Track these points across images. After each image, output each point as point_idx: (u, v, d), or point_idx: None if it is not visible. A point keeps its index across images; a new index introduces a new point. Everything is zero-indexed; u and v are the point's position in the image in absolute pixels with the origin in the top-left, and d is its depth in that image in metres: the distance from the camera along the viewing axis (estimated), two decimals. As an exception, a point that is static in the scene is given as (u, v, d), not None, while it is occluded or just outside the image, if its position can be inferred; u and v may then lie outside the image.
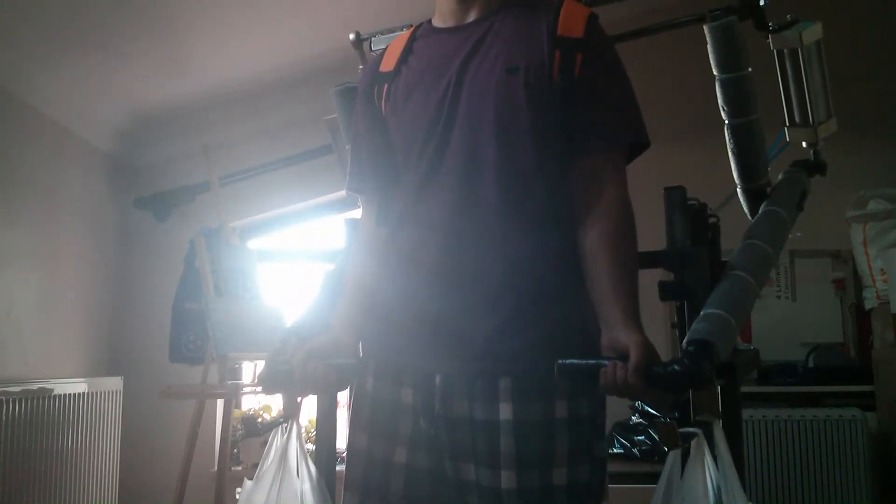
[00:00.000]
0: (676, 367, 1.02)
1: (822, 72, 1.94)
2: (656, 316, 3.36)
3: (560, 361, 1.08)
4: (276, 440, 1.34)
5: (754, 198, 1.88)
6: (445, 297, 1.19)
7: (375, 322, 1.31)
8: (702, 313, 1.26)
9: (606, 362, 1.05)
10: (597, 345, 1.21)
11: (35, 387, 2.61)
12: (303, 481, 1.32)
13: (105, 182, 3.44)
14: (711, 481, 1.08)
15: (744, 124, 1.83)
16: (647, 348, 1.05)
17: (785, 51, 1.90)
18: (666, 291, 1.53)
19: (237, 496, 1.42)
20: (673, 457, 1.13)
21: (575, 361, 1.08)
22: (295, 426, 1.34)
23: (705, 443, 1.09)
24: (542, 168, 1.20)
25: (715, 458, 1.13)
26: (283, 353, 1.25)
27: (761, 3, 1.79)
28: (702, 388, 1.07)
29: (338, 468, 2.04)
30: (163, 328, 3.17)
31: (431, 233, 1.22)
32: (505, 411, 1.15)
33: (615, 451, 3.13)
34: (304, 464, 1.33)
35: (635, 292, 1.14)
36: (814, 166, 1.98)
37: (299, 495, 1.30)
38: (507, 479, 1.13)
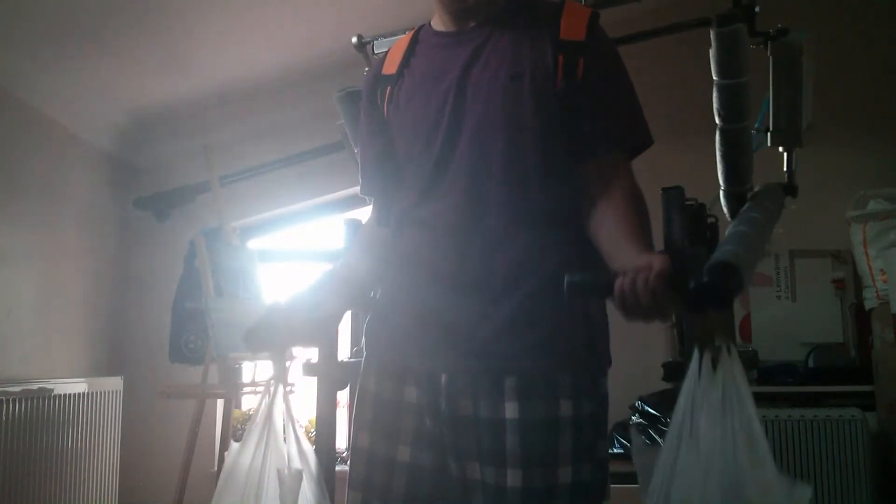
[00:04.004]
0: (706, 279, 0.96)
1: (811, 80, 1.96)
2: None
3: (569, 277, 1.03)
4: (264, 402, 1.33)
5: (736, 201, 1.89)
6: (451, 297, 1.20)
7: (379, 321, 1.32)
8: (723, 242, 1.24)
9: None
10: (603, 346, 1.22)
11: (35, 387, 2.61)
12: (289, 444, 1.31)
13: (105, 182, 3.44)
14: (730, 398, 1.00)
15: (736, 130, 1.85)
16: (670, 261, 0.99)
17: (780, 57, 1.91)
18: None
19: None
20: (699, 362, 1.02)
21: (586, 274, 1.03)
22: (280, 388, 1.33)
23: (734, 358, 0.99)
24: (547, 170, 1.21)
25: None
26: (269, 316, 1.29)
27: (756, 9, 1.80)
28: (727, 304, 1.00)
29: (337, 468, 2.04)
30: (163, 328, 3.17)
31: (437, 233, 1.23)
32: (510, 410, 1.15)
33: (615, 451, 3.13)
34: (290, 426, 1.32)
35: (651, 243, 1.12)
36: (787, 188, 1.99)
37: (286, 458, 1.30)
38: (512, 478, 1.14)
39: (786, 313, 3.58)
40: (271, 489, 1.27)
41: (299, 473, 1.29)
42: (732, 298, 1.00)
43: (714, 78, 1.83)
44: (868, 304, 3.38)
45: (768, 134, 1.97)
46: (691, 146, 3.31)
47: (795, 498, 0.96)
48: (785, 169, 1.98)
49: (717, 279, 0.97)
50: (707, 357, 0.98)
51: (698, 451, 0.95)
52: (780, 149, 1.97)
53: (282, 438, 1.31)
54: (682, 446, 0.96)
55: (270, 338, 1.29)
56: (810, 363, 3.38)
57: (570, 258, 1.20)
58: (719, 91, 1.83)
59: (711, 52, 1.80)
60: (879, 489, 2.97)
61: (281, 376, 1.33)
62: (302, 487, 1.29)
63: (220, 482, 1.28)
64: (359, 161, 1.43)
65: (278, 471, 1.28)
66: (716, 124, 1.90)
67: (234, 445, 1.31)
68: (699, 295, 0.96)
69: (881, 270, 3.24)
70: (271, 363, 1.35)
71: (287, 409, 1.32)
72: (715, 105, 1.85)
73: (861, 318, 3.50)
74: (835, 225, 3.50)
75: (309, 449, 1.32)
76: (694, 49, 1.99)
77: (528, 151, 1.20)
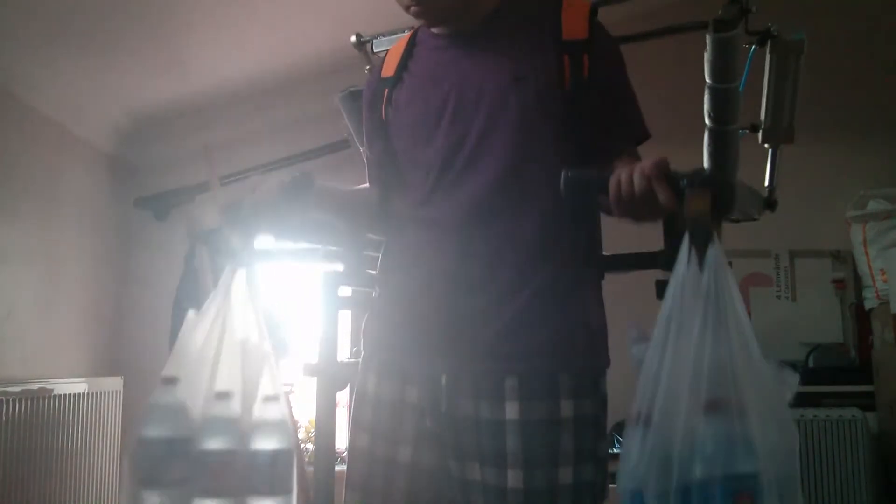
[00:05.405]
0: (703, 170, 0.99)
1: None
2: (655, 316, 3.36)
3: (566, 173, 1.06)
4: (221, 281, 1.29)
5: None
6: (453, 298, 1.20)
7: (378, 320, 1.32)
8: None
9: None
10: (602, 346, 1.22)
11: (35, 387, 2.61)
12: (249, 325, 1.28)
13: (105, 182, 3.44)
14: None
15: (726, 132, 1.86)
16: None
17: (776, 56, 1.92)
18: (663, 290, 1.53)
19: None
20: (688, 248, 1.00)
21: (583, 171, 1.07)
22: (243, 270, 1.29)
23: (721, 248, 0.99)
24: (552, 171, 1.20)
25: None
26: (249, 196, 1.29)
27: (753, 9, 1.81)
28: (726, 200, 1.01)
29: (337, 468, 2.04)
30: (163, 328, 3.17)
31: (440, 234, 1.23)
32: (511, 411, 1.16)
33: (615, 450, 3.13)
34: (252, 308, 1.29)
35: None
36: (767, 202, 2.00)
37: (244, 332, 1.27)
38: (513, 479, 1.14)
39: (786, 313, 3.57)
40: (229, 361, 1.24)
41: (263, 352, 1.26)
42: (726, 194, 1.01)
43: (707, 80, 1.83)
44: (868, 304, 3.38)
45: (760, 131, 1.98)
46: (688, 146, 3.32)
47: (785, 382, 0.97)
48: (767, 172, 1.99)
49: (711, 173, 1.01)
50: (695, 247, 0.98)
51: (689, 337, 0.94)
52: (766, 145, 1.98)
53: (239, 318, 1.27)
54: (671, 334, 0.96)
55: (243, 211, 1.28)
56: (810, 363, 3.38)
57: (572, 261, 1.21)
58: (711, 94, 1.83)
59: (706, 56, 1.80)
60: (879, 489, 2.97)
61: (245, 257, 1.30)
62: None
63: (173, 352, 1.24)
64: (365, 165, 1.45)
65: (242, 342, 1.24)
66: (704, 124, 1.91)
67: (191, 315, 1.26)
68: (694, 177, 0.99)
69: (881, 270, 3.24)
70: (237, 240, 1.31)
71: (252, 290, 1.28)
72: (706, 106, 1.86)
73: (861, 318, 3.50)
74: (835, 225, 3.50)
75: (273, 327, 1.29)
76: (693, 48, 1.98)
77: (534, 152, 1.20)
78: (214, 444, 1.20)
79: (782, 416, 0.95)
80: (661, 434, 0.92)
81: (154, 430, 1.19)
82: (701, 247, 0.97)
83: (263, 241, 1.35)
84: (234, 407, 1.22)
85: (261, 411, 1.24)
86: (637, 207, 1.02)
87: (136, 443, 1.19)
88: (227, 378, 1.23)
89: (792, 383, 0.97)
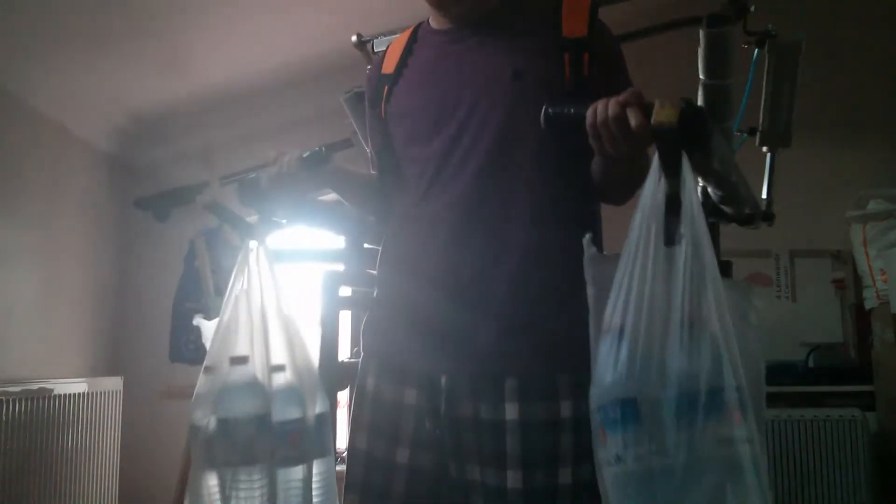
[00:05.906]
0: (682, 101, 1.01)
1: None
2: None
3: (546, 109, 1.10)
4: (246, 266, 1.30)
5: None
6: (452, 298, 1.20)
7: (377, 320, 1.31)
8: None
9: None
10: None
11: (35, 387, 2.61)
12: (279, 296, 1.31)
13: (105, 182, 3.44)
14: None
15: (721, 130, 1.85)
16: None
17: (774, 57, 1.92)
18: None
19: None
20: (657, 170, 1.01)
21: (563, 105, 1.10)
22: (262, 249, 1.30)
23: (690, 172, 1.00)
24: (549, 169, 1.21)
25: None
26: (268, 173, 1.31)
27: (751, 9, 1.80)
28: (694, 117, 1.01)
29: (337, 468, 2.04)
30: (163, 328, 3.17)
31: (437, 235, 1.22)
32: (511, 411, 1.16)
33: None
34: (272, 287, 1.31)
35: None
36: (765, 214, 2.01)
37: (278, 306, 1.30)
38: (512, 479, 1.14)
39: (786, 313, 3.57)
40: (276, 334, 1.27)
41: (298, 322, 1.30)
42: (694, 111, 1.02)
43: (700, 77, 1.83)
44: (868, 304, 3.38)
45: (757, 134, 1.97)
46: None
47: (752, 302, 0.99)
48: (766, 176, 1.99)
49: (694, 103, 1.03)
50: (663, 161, 1.00)
51: (662, 253, 0.97)
52: (765, 149, 1.97)
53: (270, 292, 1.29)
54: (649, 249, 0.97)
55: (262, 183, 1.28)
56: (810, 363, 3.38)
57: (570, 261, 1.20)
58: (705, 91, 1.83)
59: (700, 52, 1.80)
60: (879, 489, 2.97)
61: (263, 231, 1.31)
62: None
63: (226, 334, 1.27)
64: (369, 163, 1.45)
65: (281, 315, 1.28)
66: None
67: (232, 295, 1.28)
68: (673, 106, 1.01)
69: (881, 270, 3.24)
70: (257, 219, 1.31)
71: (270, 267, 1.30)
72: (699, 103, 1.85)
73: (861, 318, 3.50)
74: (835, 225, 3.50)
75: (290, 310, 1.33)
76: (690, 47, 1.98)
77: (530, 151, 1.20)
78: (287, 414, 1.24)
79: (752, 336, 0.98)
80: (649, 346, 0.95)
81: (236, 410, 1.22)
82: (670, 161, 0.99)
83: (278, 219, 1.36)
84: (290, 377, 1.26)
85: (310, 378, 1.29)
86: (610, 132, 1.04)
87: (217, 425, 1.21)
88: (279, 351, 1.27)
89: (758, 305, 1.01)
